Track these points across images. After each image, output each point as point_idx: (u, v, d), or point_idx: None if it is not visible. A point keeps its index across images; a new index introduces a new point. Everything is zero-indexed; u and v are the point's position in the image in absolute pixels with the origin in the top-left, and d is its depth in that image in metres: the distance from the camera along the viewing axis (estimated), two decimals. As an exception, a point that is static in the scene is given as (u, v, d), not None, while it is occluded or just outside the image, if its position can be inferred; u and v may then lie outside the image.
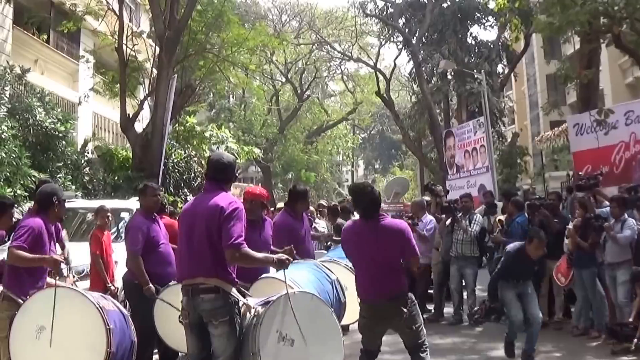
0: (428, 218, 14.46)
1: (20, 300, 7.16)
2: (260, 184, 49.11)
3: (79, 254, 11.19)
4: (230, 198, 6.46)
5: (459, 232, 13.94)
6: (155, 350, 9.23)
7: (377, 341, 7.73)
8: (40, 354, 6.91)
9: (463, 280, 14.15)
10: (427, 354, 7.66)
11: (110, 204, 12.77)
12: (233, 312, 6.29)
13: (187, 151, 25.75)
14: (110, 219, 11.72)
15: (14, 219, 9.27)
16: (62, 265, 8.92)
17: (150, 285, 8.72)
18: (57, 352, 6.88)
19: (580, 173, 17.38)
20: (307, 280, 8.19)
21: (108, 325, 6.89)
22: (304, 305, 6.66)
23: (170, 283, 8.61)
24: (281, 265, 6.60)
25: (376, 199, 7.66)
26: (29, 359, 6.98)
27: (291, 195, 10.39)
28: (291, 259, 6.75)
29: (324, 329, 6.71)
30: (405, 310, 7.37)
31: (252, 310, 6.47)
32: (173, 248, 9.02)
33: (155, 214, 9.56)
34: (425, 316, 14.19)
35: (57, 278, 7.73)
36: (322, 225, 15.32)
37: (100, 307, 7.12)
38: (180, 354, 9.13)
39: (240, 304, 6.43)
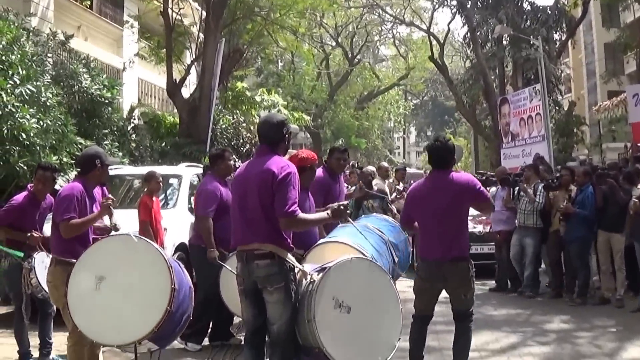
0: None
1: (73, 260, 6.86)
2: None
3: (127, 221, 10.89)
4: (283, 162, 6.30)
5: (522, 202, 13.91)
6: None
7: (431, 304, 7.58)
8: (103, 304, 6.61)
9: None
10: (472, 325, 7.73)
11: (158, 170, 12.54)
12: (288, 279, 6.18)
13: (235, 117, 25.42)
14: (161, 184, 11.55)
15: (58, 186, 9.15)
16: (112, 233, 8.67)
17: (214, 249, 8.79)
18: (122, 299, 6.62)
19: (639, 144, 16.94)
20: (366, 243, 7.99)
21: (169, 264, 6.65)
22: (362, 272, 6.54)
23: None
24: (338, 214, 6.50)
25: (451, 149, 7.67)
26: (91, 313, 6.66)
27: (330, 153, 10.44)
28: (347, 205, 6.64)
29: (382, 297, 6.54)
30: (470, 275, 7.42)
31: (308, 277, 6.35)
32: None
33: (227, 179, 9.56)
34: (488, 288, 14.62)
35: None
36: (381, 185, 15.46)
37: (157, 247, 6.98)
38: (235, 319, 9.35)
39: (296, 270, 6.31)
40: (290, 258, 6.27)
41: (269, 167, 6.18)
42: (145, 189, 11.14)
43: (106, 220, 7.79)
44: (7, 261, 8.47)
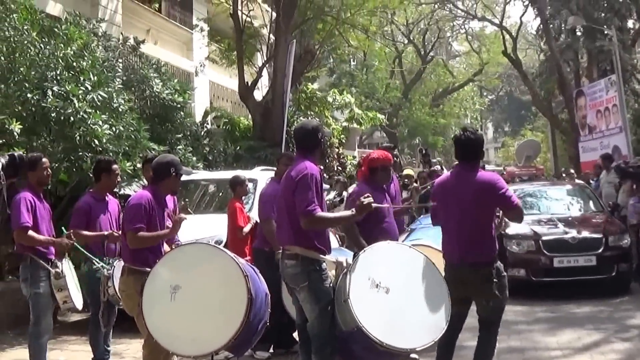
0: None
1: (147, 269, 6.84)
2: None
3: (203, 226, 11.08)
4: (302, 166, 6.58)
5: None
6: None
7: (459, 312, 6.99)
8: (179, 314, 6.64)
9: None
10: (497, 334, 7.29)
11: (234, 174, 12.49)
12: (312, 278, 6.48)
13: (309, 118, 25.28)
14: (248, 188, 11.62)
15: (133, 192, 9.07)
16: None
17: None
18: (198, 308, 6.65)
19: None
20: None
21: (245, 273, 6.69)
22: (400, 256, 6.78)
23: None
24: (363, 210, 6.59)
25: (480, 142, 7.27)
26: (167, 322, 6.67)
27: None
28: (369, 198, 6.62)
29: (426, 281, 6.64)
30: (493, 281, 6.95)
31: (345, 264, 6.55)
32: None
33: None
34: None
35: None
36: None
37: (232, 256, 6.95)
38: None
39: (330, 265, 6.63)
40: (321, 257, 6.55)
41: (291, 172, 6.64)
42: (234, 194, 11.04)
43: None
44: (86, 266, 8.42)
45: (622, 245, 13.33)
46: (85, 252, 8.32)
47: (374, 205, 6.59)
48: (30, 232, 7.65)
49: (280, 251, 8.54)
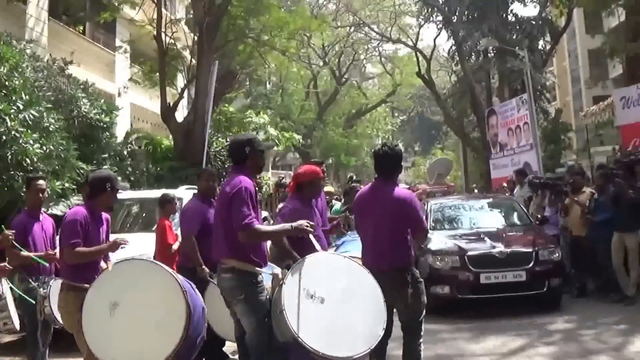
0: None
1: (86, 286, 6.89)
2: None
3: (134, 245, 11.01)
4: (236, 181, 6.66)
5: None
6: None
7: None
8: (118, 330, 6.70)
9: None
10: (420, 339, 7.47)
11: (158, 193, 12.56)
12: (248, 291, 6.58)
13: (228, 139, 25.47)
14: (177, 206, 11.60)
15: (59, 212, 9.05)
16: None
17: (203, 267, 8.82)
18: (137, 324, 6.74)
19: (628, 149, 17.31)
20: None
21: (184, 288, 6.81)
22: (334, 266, 6.79)
23: None
24: (300, 231, 6.78)
25: (399, 157, 7.61)
26: (107, 339, 6.72)
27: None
28: (312, 223, 6.87)
29: (361, 290, 6.72)
30: (408, 285, 7.24)
31: (281, 277, 6.62)
32: None
33: (212, 200, 9.41)
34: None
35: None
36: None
37: (170, 271, 7.09)
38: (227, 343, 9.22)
39: (268, 277, 6.75)
40: (257, 270, 6.68)
41: (225, 187, 6.80)
42: (162, 212, 11.08)
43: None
44: (22, 285, 8.29)
45: (554, 259, 12.67)
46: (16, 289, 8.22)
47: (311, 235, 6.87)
48: None
49: (202, 268, 8.77)
